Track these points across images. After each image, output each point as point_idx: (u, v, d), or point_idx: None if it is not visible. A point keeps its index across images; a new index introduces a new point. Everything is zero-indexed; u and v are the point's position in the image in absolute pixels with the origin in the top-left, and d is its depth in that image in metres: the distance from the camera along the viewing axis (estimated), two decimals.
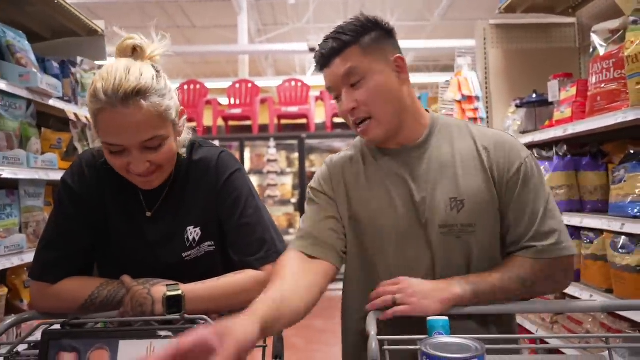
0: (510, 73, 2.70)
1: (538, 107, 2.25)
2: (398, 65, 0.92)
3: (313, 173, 1.05)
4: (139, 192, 0.98)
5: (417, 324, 0.79)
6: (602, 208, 1.78)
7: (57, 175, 1.87)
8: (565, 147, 1.94)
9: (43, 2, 2.00)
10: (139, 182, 0.92)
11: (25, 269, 1.85)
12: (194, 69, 9.27)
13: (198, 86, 5.86)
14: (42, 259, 0.96)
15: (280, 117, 5.84)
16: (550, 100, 2.11)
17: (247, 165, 6.15)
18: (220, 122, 5.89)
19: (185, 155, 1.00)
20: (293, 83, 5.80)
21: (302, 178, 5.54)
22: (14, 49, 1.79)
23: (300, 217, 1.11)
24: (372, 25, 0.91)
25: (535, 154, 2.03)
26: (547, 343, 1.64)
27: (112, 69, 0.84)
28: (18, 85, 1.74)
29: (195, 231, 0.99)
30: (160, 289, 0.88)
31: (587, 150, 1.90)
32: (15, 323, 0.88)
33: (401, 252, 0.91)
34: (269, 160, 5.78)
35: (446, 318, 0.75)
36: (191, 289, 0.89)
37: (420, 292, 0.83)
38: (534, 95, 2.28)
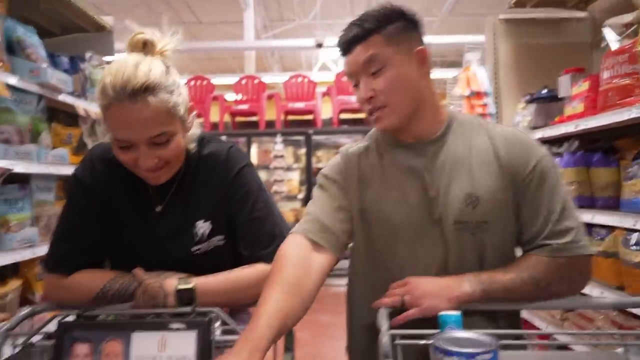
0: (520, 68, 2.67)
1: (548, 103, 2.23)
2: (420, 58, 0.90)
3: (319, 169, 1.04)
4: (149, 186, 0.98)
5: (428, 319, 0.79)
6: (613, 204, 1.76)
7: (68, 171, 1.88)
8: (577, 143, 1.92)
9: None
10: (146, 177, 0.92)
11: (38, 262, 1.87)
12: (200, 65, 9.27)
13: (204, 82, 5.86)
14: (55, 251, 0.97)
15: (287, 113, 5.83)
16: (561, 95, 2.09)
17: (254, 161, 6.12)
18: (227, 118, 5.90)
19: (194, 150, 1.00)
20: (300, 79, 5.78)
21: (309, 174, 5.54)
22: (24, 44, 1.79)
23: None
24: (397, 15, 0.89)
25: None
26: (558, 340, 1.63)
27: (121, 65, 0.84)
28: (29, 81, 1.75)
29: (205, 225, 0.99)
30: (172, 282, 0.89)
31: (598, 146, 1.88)
32: (31, 314, 0.88)
33: (413, 247, 0.90)
34: (275, 156, 5.78)
35: (459, 313, 0.75)
36: (202, 282, 0.90)
37: (429, 291, 0.82)
38: (544, 91, 2.26)
